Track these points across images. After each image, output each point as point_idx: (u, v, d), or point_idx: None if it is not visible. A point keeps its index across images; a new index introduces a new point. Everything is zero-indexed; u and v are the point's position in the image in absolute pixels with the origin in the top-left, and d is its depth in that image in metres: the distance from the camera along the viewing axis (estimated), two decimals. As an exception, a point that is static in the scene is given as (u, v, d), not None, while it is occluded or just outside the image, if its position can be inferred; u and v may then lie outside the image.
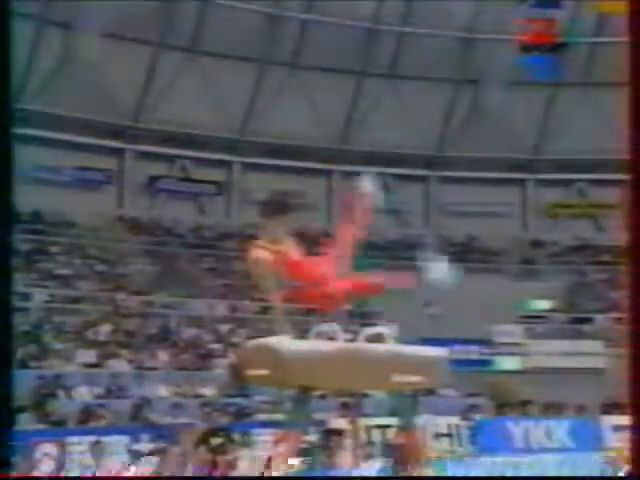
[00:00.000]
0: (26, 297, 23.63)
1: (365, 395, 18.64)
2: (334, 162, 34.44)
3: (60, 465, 16.26)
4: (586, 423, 22.59)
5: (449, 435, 21.25)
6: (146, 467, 15.04)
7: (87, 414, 19.00)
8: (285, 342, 7.49)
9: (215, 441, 16.50)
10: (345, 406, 19.26)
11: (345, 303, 7.67)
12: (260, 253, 7.48)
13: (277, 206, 7.90)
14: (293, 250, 7.60)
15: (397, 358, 7.71)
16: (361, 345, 7.72)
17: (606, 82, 27.38)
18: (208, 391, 22.01)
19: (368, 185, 7.93)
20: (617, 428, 19.49)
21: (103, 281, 26.84)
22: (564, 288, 32.07)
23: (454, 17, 33.15)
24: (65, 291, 25.63)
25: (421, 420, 18.21)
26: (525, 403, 24.50)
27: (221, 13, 31.41)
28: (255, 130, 33.28)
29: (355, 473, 8.74)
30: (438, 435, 20.92)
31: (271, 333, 7.54)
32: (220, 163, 33.25)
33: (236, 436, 17.74)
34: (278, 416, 18.05)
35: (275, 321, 7.49)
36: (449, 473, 14.20)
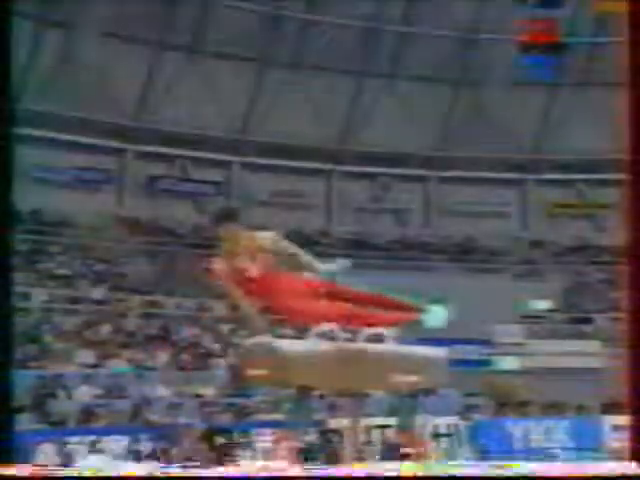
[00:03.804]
0: (26, 297, 23.61)
1: (365, 395, 18.62)
2: (334, 162, 34.45)
3: (60, 465, 16.25)
4: (586, 423, 22.59)
5: (449, 435, 21.24)
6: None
7: (87, 414, 19.01)
8: (285, 342, 7.49)
9: (215, 441, 16.51)
10: (344, 406, 19.24)
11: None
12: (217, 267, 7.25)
13: (225, 213, 7.69)
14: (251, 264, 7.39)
15: (397, 358, 7.71)
16: (361, 345, 7.71)
17: (606, 82, 27.36)
18: (208, 391, 22.01)
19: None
20: (617, 428, 19.48)
21: (103, 281, 26.83)
22: (564, 288, 32.07)
23: (454, 17, 33.14)
24: (65, 291, 25.62)
25: (421, 420, 18.22)
26: (525, 403, 24.50)
27: (221, 13, 31.41)
28: (255, 130, 33.27)
29: (355, 473, 8.74)
30: (438, 435, 20.93)
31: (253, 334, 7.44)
32: (220, 163, 33.24)
33: (236, 436, 17.75)
34: (278, 416, 18.07)
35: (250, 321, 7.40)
36: (449, 473, 14.18)
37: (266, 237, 7.35)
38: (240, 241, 7.28)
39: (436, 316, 7.57)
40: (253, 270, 7.30)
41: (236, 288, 7.30)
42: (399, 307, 7.63)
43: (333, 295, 7.36)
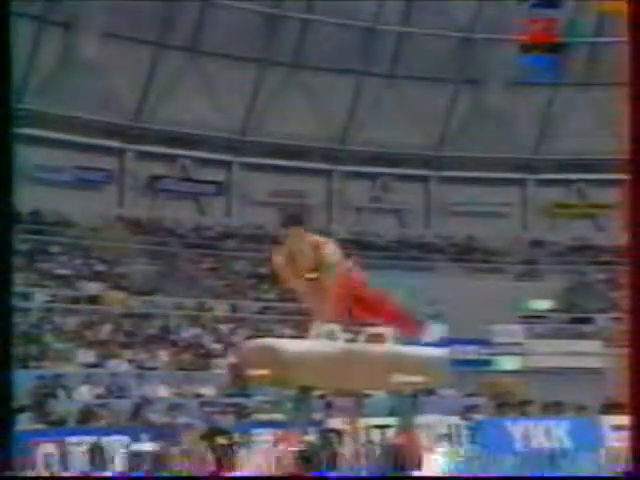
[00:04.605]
0: (26, 297, 23.61)
1: (365, 395, 18.62)
2: (334, 162, 34.45)
3: (60, 465, 16.26)
4: (586, 423, 22.58)
5: (449, 435, 21.24)
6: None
7: (87, 414, 19.01)
8: (285, 342, 7.50)
9: (216, 441, 16.50)
10: (344, 406, 19.26)
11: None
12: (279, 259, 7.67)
13: (292, 217, 8.05)
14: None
15: (397, 358, 7.71)
16: (361, 345, 7.72)
17: (606, 82, 27.38)
18: (208, 391, 22.02)
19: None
20: (617, 428, 19.47)
21: (103, 281, 26.83)
22: (564, 288, 32.07)
23: (454, 17, 33.16)
24: (65, 291, 25.63)
25: (422, 420, 18.24)
26: (525, 403, 24.50)
27: (221, 13, 31.41)
28: (255, 130, 33.28)
29: (354, 473, 8.73)
30: (438, 435, 20.93)
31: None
32: (220, 163, 33.24)
33: (236, 436, 17.74)
34: (278, 416, 18.07)
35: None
36: (449, 473, 14.20)
37: (331, 253, 7.74)
38: (304, 246, 7.62)
39: (431, 333, 7.80)
40: (312, 274, 7.58)
41: (292, 279, 7.66)
42: (401, 318, 7.80)
43: (356, 298, 7.71)
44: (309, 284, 7.62)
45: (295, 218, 7.96)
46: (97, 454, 16.64)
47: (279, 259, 7.71)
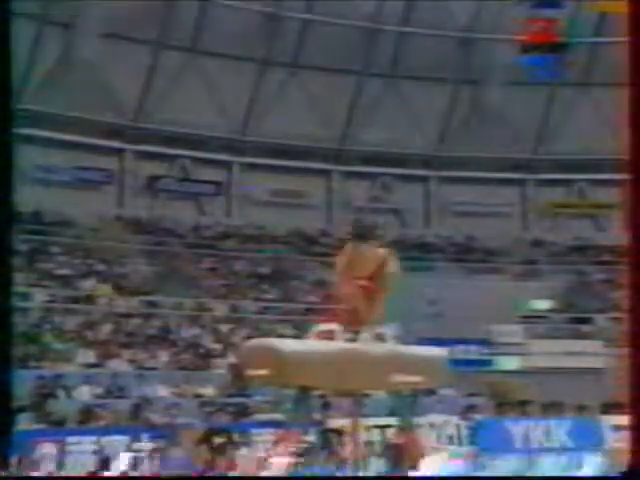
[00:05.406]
0: (26, 297, 23.61)
1: (365, 395, 18.56)
2: (334, 162, 34.44)
3: (60, 465, 16.27)
4: (586, 423, 22.58)
5: (449, 435, 21.25)
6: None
7: (87, 414, 19.01)
8: (285, 342, 7.50)
9: (216, 441, 16.50)
10: (344, 406, 19.23)
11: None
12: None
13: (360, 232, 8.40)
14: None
15: (397, 358, 7.72)
16: (361, 345, 7.72)
17: (606, 82, 27.38)
18: (208, 391, 22.01)
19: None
20: (617, 428, 19.47)
21: (103, 281, 26.82)
22: (564, 288, 32.07)
23: (454, 17, 33.16)
24: (65, 291, 25.62)
25: (424, 420, 18.24)
26: (525, 403, 24.50)
27: (221, 13, 31.41)
28: (255, 130, 33.27)
29: (355, 473, 8.75)
30: (438, 435, 20.93)
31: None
32: (220, 163, 33.24)
33: (236, 436, 17.73)
34: (278, 416, 18.08)
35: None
36: (449, 473, 14.19)
37: (394, 267, 8.10)
38: (365, 258, 7.92)
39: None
40: (366, 282, 7.80)
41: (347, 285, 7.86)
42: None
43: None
44: (360, 289, 7.81)
45: (362, 233, 8.26)
46: (98, 454, 16.65)
47: (340, 264, 7.97)
